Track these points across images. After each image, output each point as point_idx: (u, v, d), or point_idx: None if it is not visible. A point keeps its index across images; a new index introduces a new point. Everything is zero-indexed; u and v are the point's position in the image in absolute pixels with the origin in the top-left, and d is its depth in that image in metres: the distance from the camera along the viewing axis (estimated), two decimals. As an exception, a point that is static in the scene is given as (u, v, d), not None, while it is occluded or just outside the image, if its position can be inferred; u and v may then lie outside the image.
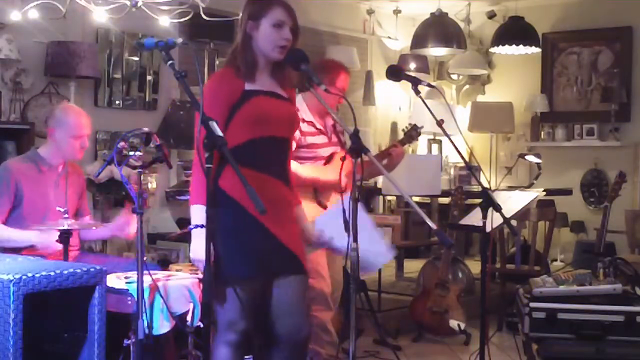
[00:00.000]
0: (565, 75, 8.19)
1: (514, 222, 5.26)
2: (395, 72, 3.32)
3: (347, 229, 2.68)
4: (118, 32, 6.03)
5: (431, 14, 7.47)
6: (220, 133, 2.42)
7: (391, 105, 8.70)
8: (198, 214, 2.79)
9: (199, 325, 3.52)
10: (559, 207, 7.08)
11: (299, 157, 3.82)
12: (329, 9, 7.92)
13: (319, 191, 3.89)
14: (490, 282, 5.51)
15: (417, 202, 6.75)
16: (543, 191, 5.93)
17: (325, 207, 3.85)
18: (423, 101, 3.30)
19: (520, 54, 7.87)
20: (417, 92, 3.27)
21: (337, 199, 3.50)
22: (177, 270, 3.97)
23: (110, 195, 5.54)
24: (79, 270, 2.89)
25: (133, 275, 3.40)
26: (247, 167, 2.79)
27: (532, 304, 3.97)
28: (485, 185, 3.43)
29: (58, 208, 3.67)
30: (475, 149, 8.18)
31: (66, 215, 3.59)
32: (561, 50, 8.21)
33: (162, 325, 3.43)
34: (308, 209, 3.32)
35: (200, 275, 3.43)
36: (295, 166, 3.64)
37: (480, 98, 8.69)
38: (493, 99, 8.51)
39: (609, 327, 3.89)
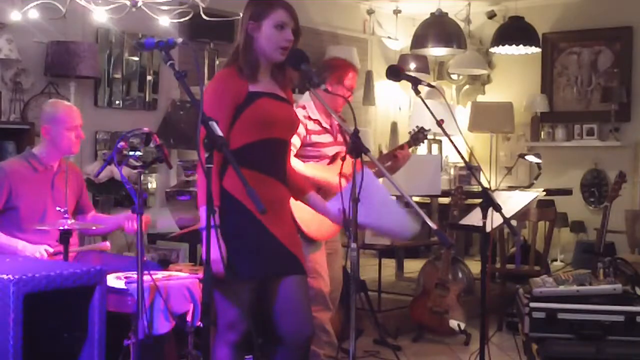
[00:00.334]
0: (565, 75, 8.19)
1: (514, 222, 5.27)
2: (395, 72, 3.32)
3: (365, 199, 2.68)
4: (118, 32, 6.03)
5: (431, 14, 7.47)
6: (220, 133, 2.42)
7: (391, 105, 8.70)
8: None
9: (199, 325, 3.52)
10: (559, 207, 7.09)
11: (304, 155, 3.82)
12: (329, 9, 7.92)
13: (321, 191, 3.88)
14: (490, 282, 5.51)
15: (417, 202, 6.75)
16: (543, 191, 5.93)
17: None
18: (423, 101, 3.30)
19: (520, 54, 7.86)
20: (417, 92, 3.27)
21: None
22: (177, 270, 3.97)
23: (110, 195, 5.54)
24: (79, 270, 2.89)
25: (133, 275, 3.41)
26: (252, 169, 2.81)
27: (532, 304, 3.97)
28: (485, 185, 3.43)
29: (58, 208, 3.67)
30: (475, 149, 8.19)
31: (66, 216, 3.59)
32: (561, 50, 8.21)
33: (162, 325, 3.43)
34: (309, 215, 3.32)
35: (201, 275, 3.43)
36: (297, 164, 3.64)
37: (480, 98, 8.69)
38: (493, 99, 8.51)
39: (609, 327, 3.88)
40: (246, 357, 3.21)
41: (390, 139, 8.49)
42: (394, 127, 8.54)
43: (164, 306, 3.41)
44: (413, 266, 6.73)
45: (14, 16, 4.90)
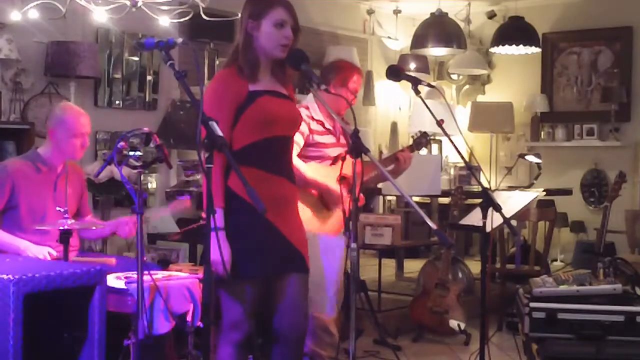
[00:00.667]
0: (565, 75, 8.19)
1: (514, 222, 5.26)
2: (395, 72, 3.32)
3: None
4: (118, 32, 6.03)
5: (431, 14, 7.47)
6: (220, 133, 2.42)
7: (391, 105, 8.70)
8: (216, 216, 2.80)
9: (199, 325, 3.52)
10: (559, 207, 7.09)
11: (306, 155, 3.81)
12: (329, 9, 7.92)
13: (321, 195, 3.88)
14: (490, 282, 5.51)
15: (417, 202, 6.75)
16: (543, 191, 5.93)
17: (329, 209, 3.83)
18: (423, 101, 3.30)
19: (520, 54, 7.86)
20: (417, 92, 3.27)
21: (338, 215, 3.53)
22: (177, 270, 3.96)
23: (110, 195, 5.54)
24: (78, 270, 2.89)
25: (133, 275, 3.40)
26: (256, 168, 2.83)
27: (532, 304, 3.96)
28: (485, 185, 3.43)
29: (58, 208, 3.67)
30: (475, 149, 8.18)
31: (66, 216, 3.59)
32: (561, 50, 8.21)
33: (162, 325, 3.43)
34: (308, 216, 3.32)
35: (201, 275, 3.43)
36: (299, 164, 3.64)
37: (480, 98, 8.69)
38: (493, 99, 8.51)
39: (609, 327, 3.88)
40: (246, 357, 3.22)
41: (390, 139, 8.49)
42: (394, 127, 8.54)
43: (164, 306, 3.40)
44: (413, 266, 6.73)
45: (14, 16, 4.90)
